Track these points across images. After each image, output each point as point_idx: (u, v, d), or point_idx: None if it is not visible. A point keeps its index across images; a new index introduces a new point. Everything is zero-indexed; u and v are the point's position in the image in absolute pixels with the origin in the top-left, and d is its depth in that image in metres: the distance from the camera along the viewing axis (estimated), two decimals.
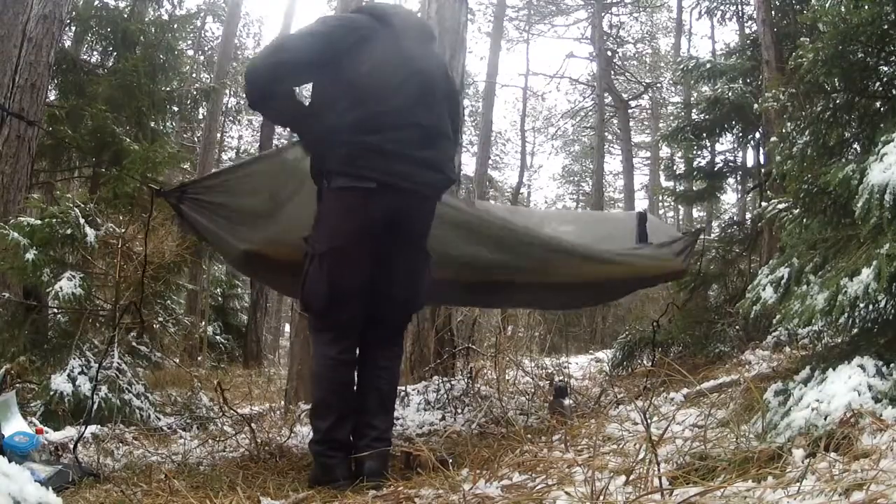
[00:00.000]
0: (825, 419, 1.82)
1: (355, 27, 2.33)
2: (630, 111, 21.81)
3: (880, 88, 2.97)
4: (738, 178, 8.35)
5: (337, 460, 2.22)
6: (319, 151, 2.36)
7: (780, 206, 3.61)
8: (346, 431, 2.28)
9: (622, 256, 3.42)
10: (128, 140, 6.69)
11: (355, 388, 2.38)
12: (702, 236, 3.87)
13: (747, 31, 8.47)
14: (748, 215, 7.50)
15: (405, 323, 2.55)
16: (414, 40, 2.40)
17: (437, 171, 2.37)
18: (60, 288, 4.07)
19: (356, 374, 2.41)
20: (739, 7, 8.52)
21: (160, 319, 5.41)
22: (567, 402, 3.44)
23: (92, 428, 3.31)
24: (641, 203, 23.36)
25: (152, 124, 7.52)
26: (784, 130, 3.48)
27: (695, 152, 7.88)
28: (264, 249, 2.69)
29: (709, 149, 8.05)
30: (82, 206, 4.38)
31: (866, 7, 2.69)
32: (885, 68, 2.92)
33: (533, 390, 4.25)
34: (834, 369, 2.05)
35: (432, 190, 2.40)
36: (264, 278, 3.39)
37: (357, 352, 2.39)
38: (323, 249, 2.28)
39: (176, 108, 8.15)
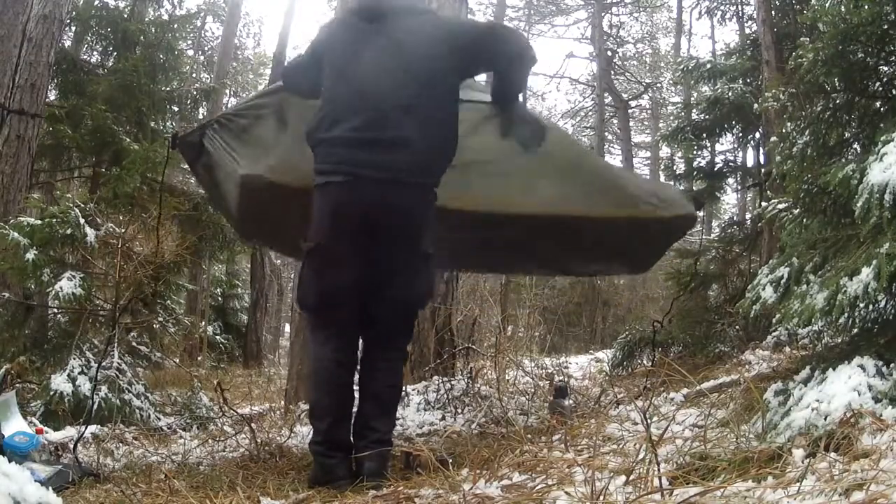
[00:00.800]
0: (825, 419, 1.82)
1: (312, 45, 2.48)
2: (630, 111, 21.79)
3: (880, 88, 2.97)
4: (738, 178, 8.34)
5: (336, 460, 2.20)
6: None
7: (780, 206, 3.61)
8: (345, 432, 2.25)
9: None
10: (128, 140, 6.69)
11: (355, 388, 2.36)
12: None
13: (747, 31, 8.48)
14: (748, 215, 7.50)
15: (406, 324, 2.44)
16: (383, 20, 2.32)
17: (412, 151, 2.23)
18: (60, 288, 4.07)
19: (357, 374, 2.39)
20: (739, 7, 8.53)
21: (160, 319, 5.40)
22: (567, 402, 3.44)
23: (92, 428, 3.31)
24: None
25: (152, 124, 7.51)
26: (784, 130, 3.47)
27: (695, 152, 7.88)
28: (279, 177, 2.57)
29: (709, 149, 8.05)
30: (82, 206, 4.38)
31: (866, 7, 2.69)
32: (885, 68, 2.92)
33: (533, 390, 4.25)
34: (834, 369, 2.05)
35: (409, 175, 2.25)
36: (270, 235, 3.17)
37: (355, 352, 2.36)
38: (310, 246, 2.29)
39: (176, 108, 8.14)
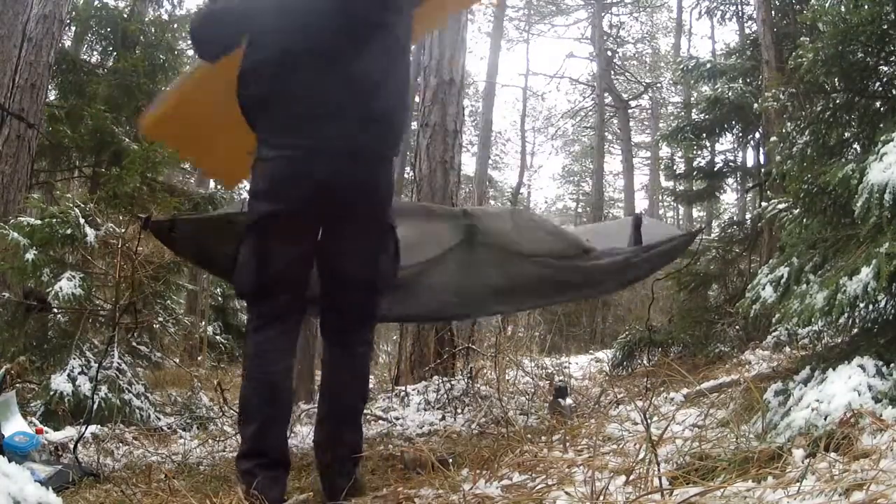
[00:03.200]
0: (825, 419, 1.82)
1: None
2: (630, 111, 21.80)
3: (880, 88, 2.97)
4: (738, 178, 8.35)
5: (267, 481, 1.81)
6: (248, 105, 2.10)
7: (780, 206, 3.61)
8: (275, 439, 1.93)
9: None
10: (127, 140, 6.68)
11: (288, 389, 2.05)
12: (700, 236, 3.86)
13: (747, 31, 8.47)
14: (748, 215, 7.49)
15: (368, 313, 2.15)
16: None
17: (366, 126, 2.00)
18: (60, 288, 4.07)
19: (321, 378, 2.16)
20: (739, 7, 8.52)
21: (160, 319, 5.40)
22: (567, 402, 3.44)
23: (92, 428, 3.31)
24: (641, 203, 23.37)
25: None
26: (784, 130, 3.48)
27: (695, 152, 7.88)
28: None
29: (709, 149, 8.05)
30: (82, 206, 4.38)
31: (866, 7, 2.69)
32: (885, 68, 2.92)
33: (533, 390, 4.25)
34: (834, 369, 2.05)
35: (360, 149, 2.01)
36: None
37: (292, 349, 2.07)
38: (252, 220, 2.01)
39: None
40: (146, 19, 8.24)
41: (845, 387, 1.92)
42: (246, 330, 2.12)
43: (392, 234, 2.14)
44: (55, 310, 4.48)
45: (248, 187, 2.23)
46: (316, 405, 2.47)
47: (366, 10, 2.05)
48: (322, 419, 2.08)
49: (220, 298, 12.68)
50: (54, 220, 4.16)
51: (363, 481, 2.04)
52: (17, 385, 3.74)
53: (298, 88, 2.00)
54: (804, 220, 2.91)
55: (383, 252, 2.12)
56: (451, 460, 2.14)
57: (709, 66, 7.46)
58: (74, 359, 3.89)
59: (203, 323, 9.79)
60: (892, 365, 2.00)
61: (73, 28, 7.93)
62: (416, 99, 6.86)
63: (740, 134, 7.31)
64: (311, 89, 1.99)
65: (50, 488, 1.77)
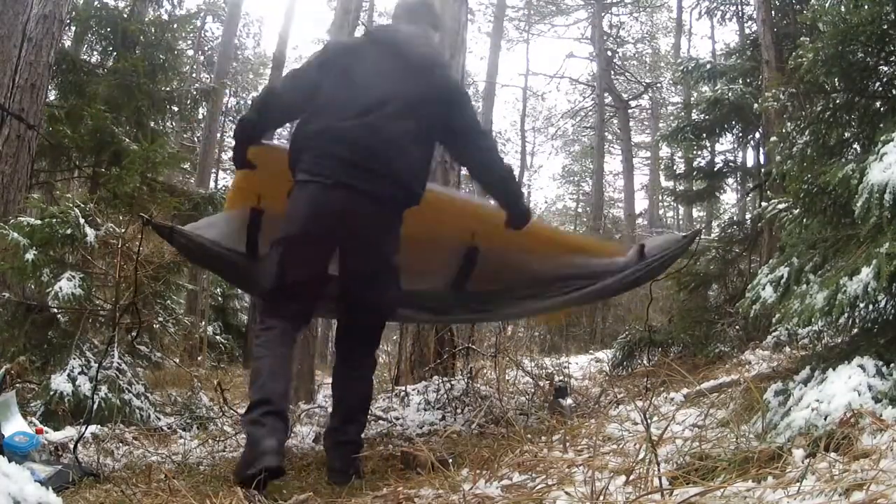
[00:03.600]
0: (825, 419, 1.82)
1: (319, 61, 2.60)
2: (630, 111, 21.79)
3: (880, 88, 2.97)
4: (738, 178, 8.35)
5: (266, 429, 2.09)
6: (294, 152, 2.52)
7: (780, 206, 3.61)
8: (276, 391, 2.23)
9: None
10: (127, 140, 6.68)
11: (288, 368, 2.42)
12: (699, 238, 3.85)
13: (747, 31, 8.48)
14: (748, 215, 7.49)
15: (378, 333, 2.68)
16: (393, 61, 2.54)
17: (395, 181, 2.45)
18: (60, 288, 4.06)
19: (333, 383, 2.58)
20: (739, 7, 8.52)
21: (160, 319, 5.40)
22: (567, 402, 3.44)
23: (92, 428, 3.31)
24: (641, 203, 23.37)
25: (152, 124, 7.51)
26: (784, 130, 3.48)
27: (695, 152, 7.88)
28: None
29: (709, 149, 8.05)
30: (82, 206, 4.37)
31: (866, 7, 2.69)
32: (885, 68, 2.92)
33: (533, 390, 4.25)
34: (834, 369, 2.05)
35: (387, 192, 2.45)
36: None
37: (293, 346, 2.47)
38: (280, 236, 2.44)
39: (176, 108, 8.12)
40: (146, 19, 8.23)
41: (845, 387, 1.92)
42: (256, 328, 2.48)
43: (396, 274, 2.56)
44: (55, 310, 4.48)
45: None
46: (316, 405, 2.62)
47: (421, 101, 2.52)
48: (331, 420, 2.53)
49: (220, 298, 12.69)
50: (54, 220, 4.15)
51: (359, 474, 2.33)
52: (17, 385, 3.74)
53: (338, 134, 2.41)
54: (804, 220, 2.91)
55: (388, 286, 2.55)
56: (451, 460, 2.14)
57: (709, 66, 7.46)
58: (74, 359, 3.89)
59: (203, 323, 9.79)
60: (892, 365, 2.00)
61: (73, 28, 7.92)
62: None
63: (740, 134, 7.31)
64: (346, 140, 2.41)
65: (50, 488, 1.77)
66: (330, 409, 2.65)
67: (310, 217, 2.40)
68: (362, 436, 2.58)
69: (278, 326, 2.37)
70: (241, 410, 4.22)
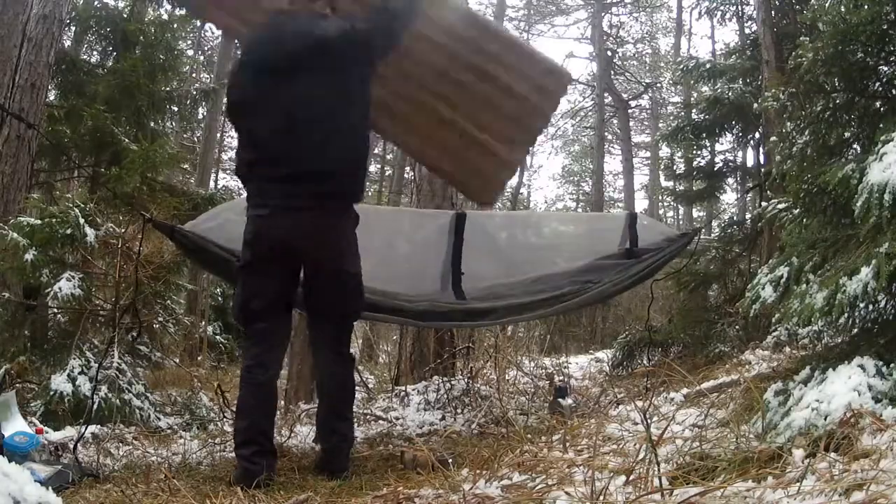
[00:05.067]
0: (825, 419, 1.82)
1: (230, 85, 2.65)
2: (630, 111, 21.76)
3: (880, 88, 2.97)
4: (738, 178, 8.35)
5: (258, 467, 2.26)
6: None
7: (780, 206, 3.61)
8: (264, 430, 2.39)
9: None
10: (127, 140, 6.67)
11: (274, 395, 2.57)
12: (698, 237, 3.86)
13: (747, 31, 8.46)
14: (748, 215, 7.49)
15: (343, 333, 2.66)
16: (284, 53, 2.46)
17: (326, 181, 2.44)
18: (59, 289, 4.06)
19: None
20: (739, 7, 8.50)
21: (160, 319, 5.39)
22: (567, 402, 3.44)
23: (92, 428, 3.31)
24: (641, 203, 23.35)
25: (152, 124, 7.50)
26: (784, 130, 3.48)
27: (695, 152, 7.88)
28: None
29: (709, 149, 8.06)
30: (82, 206, 4.37)
31: (866, 7, 2.69)
32: (885, 68, 2.92)
33: (533, 390, 4.25)
34: (834, 369, 2.04)
35: (322, 202, 2.45)
36: None
37: (276, 362, 2.55)
38: (237, 266, 2.57)
39: (176, 108, 8.12)
40: (146, 19, 8.23)
41: (845, 387, 1.92)
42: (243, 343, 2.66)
43: (354, 278, 2.57)
44: (55, 310, 4.48)
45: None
46: (316, 405, 2.65)
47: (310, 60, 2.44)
48: (320, 417, 2.64)
49: (220, 298, 12.67)
50: (54, 220, 4.15)
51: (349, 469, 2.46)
52: (17, 385, 3.74)
53: (265, 155, 2.47)
54: (804, 220, 2.91)
55: (345, 293, 2.57)
56: (451, 460, 2.14)
57: (709, 66, 7.46)
58: (74, 359, 3.88)
59: (203, 323, 9.79)
60: (892, 365, 2.00)
61: (73, 28, 7.92)
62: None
63: (740, 134, 7.31)
64: (277, 152, 2.44)
65: (50, 488, 1.77)
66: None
67: (262, 244, 2.48)
68: (362, 436, 2.70)
69: (258, 354, 2.47)
70: None
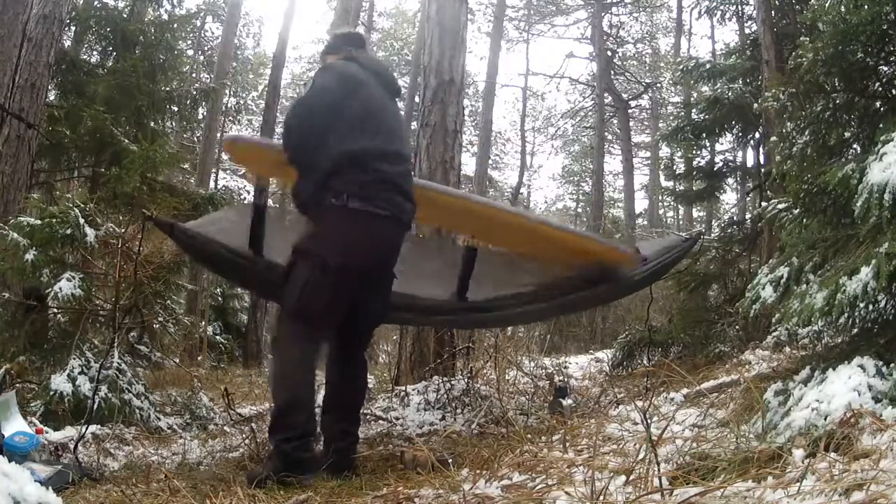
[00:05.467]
0: (825, 419, 1.82)
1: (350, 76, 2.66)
2: (630, 111, 21.78)
3: (880, 88, 2.97)
4: (738, 178, 8.34)
5: (310, 455, 2.39)
6: (327, 170, 2.50)
7: (780, 206, 3.61)
8: (314, 426, 2.49)
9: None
10: (126, 140, 6.67)
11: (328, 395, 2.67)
12: (700, 239, 3.85)
13: (747, 31, 8.46)
14: (748, 215, 7.49)
15: (369, 339, 2.89)
16: (370, 77, 2.70)
17: (412, 202, 2.65)
18: (59, 289, 4.06)
19: (333, 384, 2.70)
20: (739, 7, 8.50)
21: (160, 319, 5.39)
22: (567, 402, 3.44)
23: (92, 428, 3.31)
24: (641, 203, 23.36)
25: (152, 124, 7.51)
26: (784, 130, 3.47)
27: (694, 152, 7.88)
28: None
29: (709, 149, 8.05)
30: (82, 206, 4.37)
31: (866, 7, 2.69)
32: (885, 68, 2.92)
33: (533, 390, 4.25)
34: (834, 369, 2.04)
35: (409, 219, 2.69)
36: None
37: (319, 358, 2.63)
38: (338, 263, 2.45)
39: (175, 108, 8.12)
40: (146, 19, 8.24)
41: (845, 387, 1.92)
42: (293, 344, 2.51)
43: (393, 278, 2.73)
44: (55, 310, 4.47)
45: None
46: (316, 405, 2.65)
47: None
48: (337, 418, 2.61)
49: (220, 298, 12.69)
50: (54, 220, 4.15)
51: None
52: (17, 385, 3.74)
53: (383, 151, 2.55)
54: (804, 220, 2.91)
55: (389, 296, 2.73)
56: (451, 460, 2.14)
57: (708, 66, 7.45)
58: (74, 359, 3.88)
59: (203, 323, 9.80)
60: (892, 365, 2.00)
61: (73, 28, 7.92)
62: (416, 99, 6.90)
63: (740, 134, 7.31)
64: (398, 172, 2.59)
65: (50, 488, 1.77)
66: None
67: (373, 251, 2.56)
68: (362, 436, 2.76)
69: (314, 349, 2.53)
70: (241, 410, 4.23)
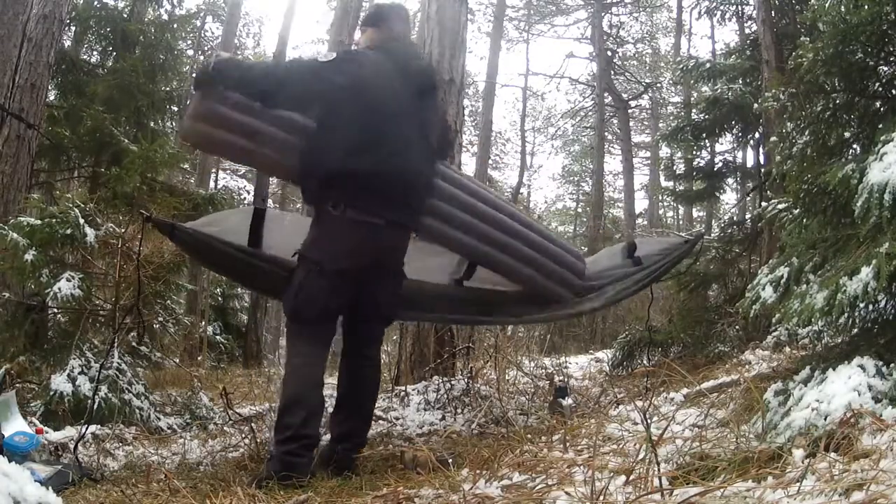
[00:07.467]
0: (825, 419, 1.82)
1: (365, 85, 2.56)
2: (630, 111, 21.77)
3: (880, 88, 2.96)
4: (738, 178, 8.34)
5: (306, 460, 2.35)
6: (325, 177, 2.52)
7: (780, 206, 3.61)
8: (315, 428, 2.44)
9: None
10: (126, 140, 6.68)
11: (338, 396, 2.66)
12: (701, 240, 3.85)
13: (747, 31, 8.46)
14: (748, 215, 7.49)
15: (378, 337, 2.85)
16: (392, 77, 2.59)
17: (415, 208, 2.67)
18: (59, 289, 4.06)
19: (342, 384, 2.69)
20: (739, 7, 8.50)
21: (160, 319, 5.40)
22: (567, 402, 3.44)
23: (92, 428, 3.31)
24: (641, 203, 23.36)
25: (152, 124, 7.51)
26: (784, 130, 3.47)
27: (694, 152, 7.88)
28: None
29: (708, 149, 8.05)
30: (82, 206, 4.37)
31: (866, 7, 2.68)
32: (885, 68, 2.92)
33: (533, 390, 4.25)
34: (834, 369, 2.04)
35: (413, 222, 2.70)
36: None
37: (326, 357, 2.64)
38: (333, 268, 2.49)
39: (175, 108, 8.12)
40: (146, 19, 8.24)
41: (845, 387, 1.91)
42: (295, 345, 2.55)
43: (402, 278, 2.74)
44: (55, 310, 4.47)
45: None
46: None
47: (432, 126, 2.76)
48: (346, 421, 2.62)
49: (220, 298, 12.68)
50: (54, 220, 4.15)
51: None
52: (17, 385, 3.74)
53: (383, 168, 2.49)
54: (804, 220, 2.91)
55: (397, 293, 2.72)
56: (451, 460, 2.14)
57: (708, 66, 7.45)
58: (74, 359, 3.88)
59: (203, 323, 9.79)
60: (892, 365, 1.99)
61: (73, 28, 7.93)
62: None
63: (740, 134, 7.31)
64: (389, 169, 2.50)
65: (50, 488, 1.77)
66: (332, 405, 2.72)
67: (364, 254, 2.53)
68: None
69: (320, 344, 2.54)
70: (241, 410, 4.23)
